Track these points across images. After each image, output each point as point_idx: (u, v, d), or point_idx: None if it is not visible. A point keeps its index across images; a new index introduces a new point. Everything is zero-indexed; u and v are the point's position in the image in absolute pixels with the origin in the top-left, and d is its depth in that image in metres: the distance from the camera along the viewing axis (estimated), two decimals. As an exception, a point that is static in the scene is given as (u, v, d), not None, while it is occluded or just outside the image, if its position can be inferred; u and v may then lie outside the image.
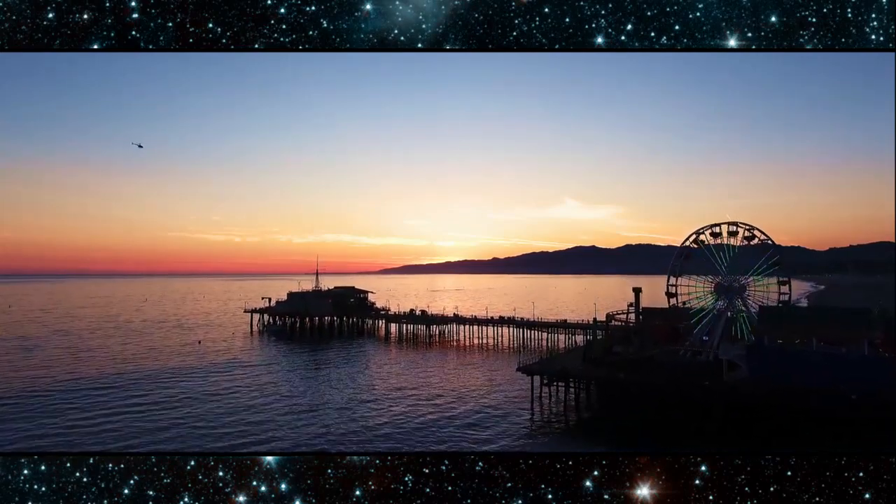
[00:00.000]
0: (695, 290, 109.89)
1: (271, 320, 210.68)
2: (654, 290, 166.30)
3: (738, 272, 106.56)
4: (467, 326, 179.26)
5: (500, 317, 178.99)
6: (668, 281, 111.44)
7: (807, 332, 79.91)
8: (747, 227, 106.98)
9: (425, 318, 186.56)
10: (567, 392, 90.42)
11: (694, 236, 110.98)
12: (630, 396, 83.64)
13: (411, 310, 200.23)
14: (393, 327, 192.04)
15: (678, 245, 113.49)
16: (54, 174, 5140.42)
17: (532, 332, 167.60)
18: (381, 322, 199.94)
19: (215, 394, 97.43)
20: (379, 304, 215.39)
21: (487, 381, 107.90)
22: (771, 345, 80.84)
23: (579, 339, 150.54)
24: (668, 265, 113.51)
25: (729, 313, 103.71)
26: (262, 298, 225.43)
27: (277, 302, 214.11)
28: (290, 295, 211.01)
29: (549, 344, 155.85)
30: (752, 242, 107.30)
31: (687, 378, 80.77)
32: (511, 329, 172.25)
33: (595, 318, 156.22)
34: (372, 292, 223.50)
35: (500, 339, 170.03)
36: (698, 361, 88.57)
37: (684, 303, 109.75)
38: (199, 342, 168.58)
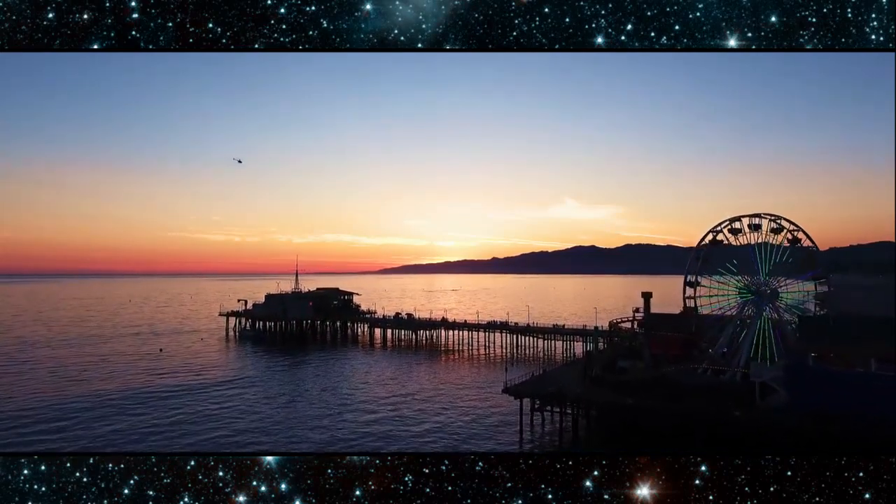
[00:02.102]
0: (717, 294, 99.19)
1: (248, 324, 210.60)
2: (658, 293, 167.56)
3: (769, 273, 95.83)
4: (456, 332, 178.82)
5: (493, 321, 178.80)
6: (685, 281, 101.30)
7: (859, 349, 70.53)
8: (792, 226, 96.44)
9: (411, 323, 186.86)
10: (563, 419, 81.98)
11: (719, 229, 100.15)
12: (639, 425, 74.87)
13: (397, 313, 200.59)
14: (377, 332, 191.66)
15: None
16: (54, 174, 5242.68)
17: (526, 338, 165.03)
18: (364, 327, 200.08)
19: (149, 432, 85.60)
20: (366, 307, 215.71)
21: (472, 403, 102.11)
22: (816, 365, 71.73)
23: (578, 347, 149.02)
24: (686, 262, 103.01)
25: (762, 322, 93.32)
26: (238, 301, 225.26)
27: (255, 305, 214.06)
28: (268, 297, 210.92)
29: (545, 353, 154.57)
30: (783, 236, 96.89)
31: (711, 405, 71.02)
32: (504, 335, 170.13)
33: (596, 326, 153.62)
34: (357, 293, 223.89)
35: (491, 346, 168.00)
36: (723, 383, 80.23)
37: (695, 308, 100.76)
38: (161, 350, 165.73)
